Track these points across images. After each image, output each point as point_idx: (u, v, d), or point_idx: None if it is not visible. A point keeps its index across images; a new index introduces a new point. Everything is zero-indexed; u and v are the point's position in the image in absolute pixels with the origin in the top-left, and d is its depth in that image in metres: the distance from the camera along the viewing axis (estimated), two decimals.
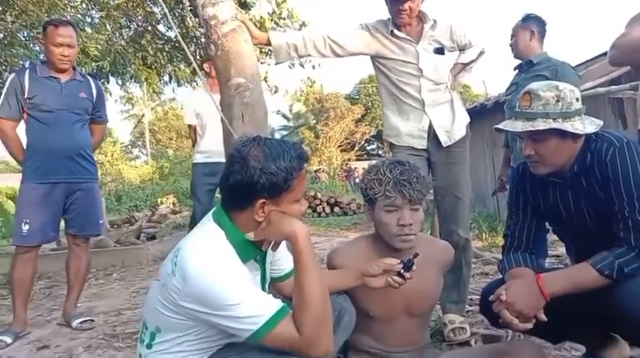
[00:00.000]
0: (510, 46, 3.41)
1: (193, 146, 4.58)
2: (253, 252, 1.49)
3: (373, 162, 2.15)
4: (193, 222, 4.33)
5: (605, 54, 6.86)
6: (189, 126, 4.51)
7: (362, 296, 1.81)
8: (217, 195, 4.48)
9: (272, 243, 1.50)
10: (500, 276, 1.93)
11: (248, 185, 1.39)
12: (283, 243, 1.63)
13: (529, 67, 3.27)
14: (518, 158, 2.91)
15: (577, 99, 1.65)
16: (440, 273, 1.94)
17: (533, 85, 1.70)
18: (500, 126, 1.77)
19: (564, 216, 1.79)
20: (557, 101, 1.63)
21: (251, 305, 1.32)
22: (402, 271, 1.69)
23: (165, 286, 1.40)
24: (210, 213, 1.53)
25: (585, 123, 1.65)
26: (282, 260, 1.73)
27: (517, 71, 3.45)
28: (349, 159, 30.75)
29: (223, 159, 4.15)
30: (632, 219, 1.59)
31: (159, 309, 1.42)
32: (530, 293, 1.61)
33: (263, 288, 1.58)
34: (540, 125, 1.62)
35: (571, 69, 3.28)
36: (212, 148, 4.21)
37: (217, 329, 1.39)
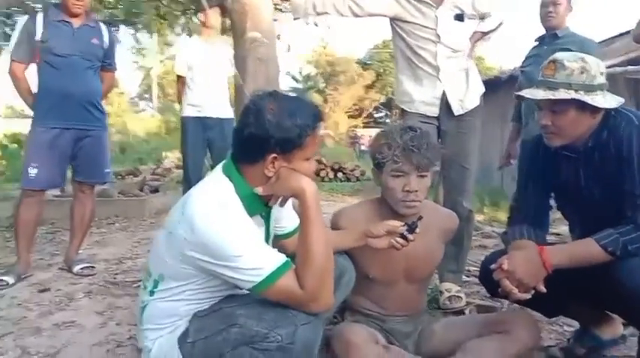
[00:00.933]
0: (548, 14, 3.21)
1: (179, 98, 4.35)
2: (260, 206, 1.49)
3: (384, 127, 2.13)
4: (187, 180, 4.20)
5: (624, 33, 6.73)
6: (178, 76, 4.26)
7: (363, 257, 1.82)
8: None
9: (279, 199, 1.50)
10: (501, 248, 1.94)
11: (261, 138, 1.38)
12: (288, 202, 1.63)
13: (552, 40, 3.18)
14: (532, 133, 2.87)
15: (601, 74, 1.63)
16: (441, 240, 1.95)
17: (559, 55, 1.67)
18: (522, 93, 1.75)
19: (573, 191, 1.78)
20: (582, 73, 1.60)
21: (254, 257, 1.33)
22: (405, 233, 1.70)
23: (171, 234, 1.41)
24: (220, 165, 1.53)
25: (607, 98, 1.62)
26: (285, 218, 1.73)
27: (537, 43, 3.36)
28: (356, 126, 30.59)
29: (215, 114, 4.14)
30: None
31: (164, 257, 1.43)
32: (532, 263, 1.62)
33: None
34: (562, 95, 1.60)
35: (596, 45, 3.22)
36: (203, 102, 4.11)
37: (220, 280, 1.40)
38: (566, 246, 1.76)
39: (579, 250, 1.64)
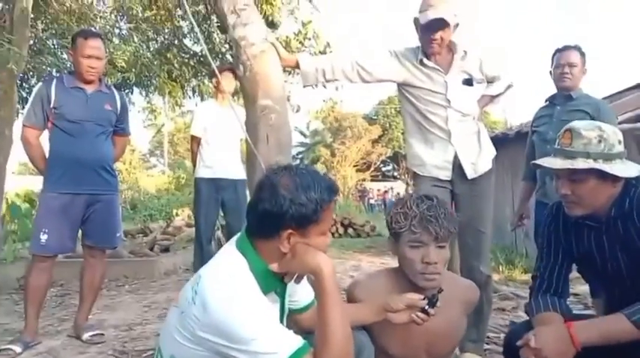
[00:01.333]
0: (563, 75, 3.13)
1: (193, 159, 4.46)
2: (275, 283, 1.45)
3: (401, 194, 2.10)
4: (198, 240, 4.26)
5: (634, 87, 6.74)
6: (193, 137, 4.39)
7: (382, 332, 1.75)
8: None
9: (295, 276, 1.46)
10: (520, 316, 1.87)
11: (276, 214, 1.35)
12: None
13: (566, 101, 3.14)
14: (551, 196, 2.82)
15: (619, 142, 1.61)
16: (463, 313, 1.87)
17: (575, 124, 1.66)
18: (539, 161, 1.73)
19: (598, 261, 1.73)
20: (600, 141, 1.58)
21: (271, 341, 1.28)
22: (426, 307, 1.64)
23: (184, 314, 1.36)
24: (234, 239, 1.50)
25: (627, 167, 1.60)
26: (300, 292, 1.67)
27: (547, 103, 3.33)
28: (364, 180, 30.72)
29: (228, 175, 4.22)
30: None
31: (176, 337, 1.38)
32: (560, 340, 1.54)
33: (281, 321, 1.53)
34: (580, 164, 1.57)
35: (611, 109, 3.16)
36: (217, 163, 4.22)
37: None
38: (595, 321, 1.68)
39: (608, 326, 1.57)
